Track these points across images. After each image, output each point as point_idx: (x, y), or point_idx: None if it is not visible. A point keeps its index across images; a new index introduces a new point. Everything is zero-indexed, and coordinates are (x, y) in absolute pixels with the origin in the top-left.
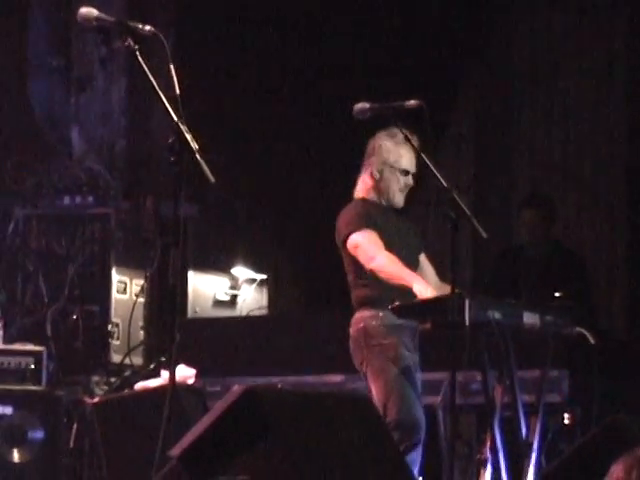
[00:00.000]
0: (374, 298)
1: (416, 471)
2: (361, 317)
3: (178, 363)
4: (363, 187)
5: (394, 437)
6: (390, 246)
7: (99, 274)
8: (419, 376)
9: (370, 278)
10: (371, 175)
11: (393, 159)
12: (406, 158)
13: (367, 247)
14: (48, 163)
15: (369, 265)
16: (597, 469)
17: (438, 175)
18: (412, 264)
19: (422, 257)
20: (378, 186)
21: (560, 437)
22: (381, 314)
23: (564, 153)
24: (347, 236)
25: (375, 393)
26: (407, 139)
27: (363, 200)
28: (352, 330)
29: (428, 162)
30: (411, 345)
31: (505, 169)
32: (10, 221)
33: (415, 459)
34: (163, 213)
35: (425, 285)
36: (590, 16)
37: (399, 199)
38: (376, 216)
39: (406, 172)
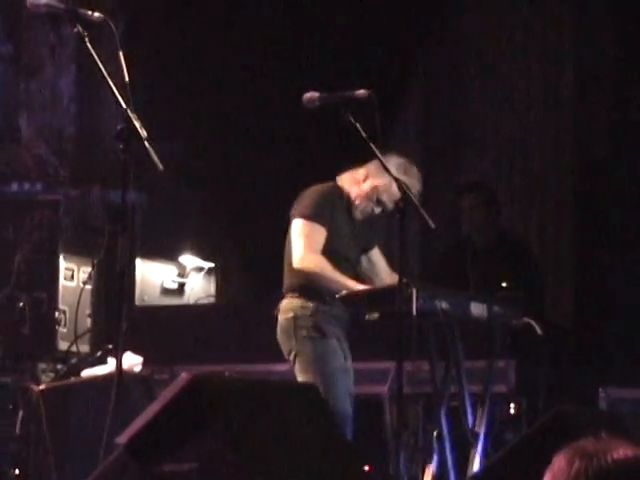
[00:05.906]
0: (307, 287)
1: None
2: (291, 305)
3: (125, 351)
4: (350, 180)
5: None
6: (335, 247)
7: (47, 261)
8: (350, 363)
9: None
10: (364, 179)
11: (384, 189)
12: (393, 195)
13: (306, 243)
14: None
15: (299, 264)
16: (542, 459)
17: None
18: (351, 267)
19: (375, 251)
20: (357, 191)
21: (506, 427)
22: (311, 304)
23: (512, 144)
24: (297, 216)
25: None
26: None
27: (338, 188)
28: (281, 318)
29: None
30: (341, 334)
31: (453, 160)
32: None
33: None
34: (111, 200)
35: (367, 287)
36: (539, 3)
37: (360, 216)
38: (338, 208)
39: (382, 204)
